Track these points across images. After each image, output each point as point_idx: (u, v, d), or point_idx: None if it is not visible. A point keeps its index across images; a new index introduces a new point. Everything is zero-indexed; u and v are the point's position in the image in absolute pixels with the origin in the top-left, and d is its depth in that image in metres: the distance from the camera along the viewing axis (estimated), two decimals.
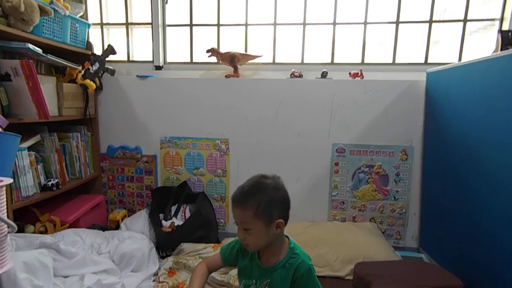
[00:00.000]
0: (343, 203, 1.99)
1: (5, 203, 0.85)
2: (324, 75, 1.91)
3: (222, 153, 2.05)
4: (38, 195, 1.60)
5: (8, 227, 0.87)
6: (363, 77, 1.89)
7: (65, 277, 1.32)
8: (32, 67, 1.40)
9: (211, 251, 1.66)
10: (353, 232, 1.83)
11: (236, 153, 2.04)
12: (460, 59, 1.95)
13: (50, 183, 1.67)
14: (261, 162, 2.01)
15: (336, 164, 1.96)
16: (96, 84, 1.92)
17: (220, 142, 2.03)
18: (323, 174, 1.98)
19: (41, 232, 1.58)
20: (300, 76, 1.96)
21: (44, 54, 1.56)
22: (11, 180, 0.88)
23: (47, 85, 1.61)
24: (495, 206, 1.28)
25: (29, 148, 1.58)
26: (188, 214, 1.94)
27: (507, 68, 1.23)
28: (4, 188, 0.85)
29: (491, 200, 1.31)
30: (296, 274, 0.97)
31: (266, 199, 0.95)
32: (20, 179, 1.47)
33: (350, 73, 1.91)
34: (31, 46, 1.47)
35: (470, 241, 1.44)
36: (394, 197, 1.93)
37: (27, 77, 1.37)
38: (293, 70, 1.97)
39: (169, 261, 1.61)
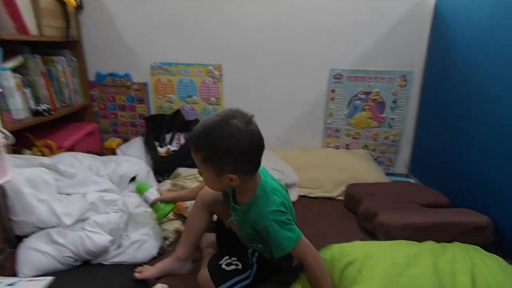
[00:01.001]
0: (338, 130, 2.00)
1: None
2: None
3: (215, 80, 1.98)
4: (30, 119, 1.56)
5: (5, 138, 0.85)
6: None
7: (68, 195, 1.36)
8: None
9: None
10: (345, 158, 1.88)
11: (229, 80, 1.97)
12: None
13: (41, 108, 1.62)
14: (255, 89, 1.96)
15: (333, 91, 1.92)
16: (75, 2, 1.75)
17: (213, 68, 1.95)
18: (319, 101, 1.95)
19: None
20: None
21: None
22: None
23: None
24: (489, 135, 1.29)
25: (14, 71, 1.50)
26: (183, 142, 1.94)
27: None
28: None
29: (486, 129, 1.31)
30: (256, 228, 0.91)
31: (218, 147, 0.82)
32: (8, 100, 1.42)
33: None
34: None
35: (459, 166, 1.48)
36: (389, 125, 1.95)
37: None
38: None
39: (167, 183, 1.66)
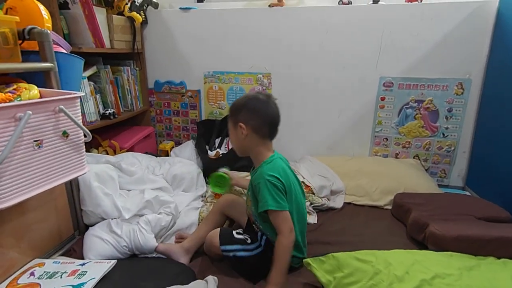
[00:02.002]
0: (387, 139, 1.95)
1: (80, 113, 0.96)
2: (376, 0, 1.76)
3: (264, 88, 2.05)
4: (99, 122, 1.76)
5: (85, 136, 0.99)
6: (421, 0, 1.71)
7: (128, 190, 1.51)
8: None
9: None
10: (394, 166, 1.82)
11: (278, 88, 2.03)
12: None
13: (107, 112, 1.82)
14: (303, 96, 1.99)
15: (382, 99, 1.88)
16: (141, 18, 1.95)
17: (263, 76, 2.03)
18: (367, 109, 1.92)
19: None
20: (349, 3, 1.82)
21: None
22: (83, 93, 0.98)
23: (99, 17, 1.66)
24: None
25: (88, 79, 1.71)
26: (231, 146, 2.03)
27: None
28: (79, 100, 0.95)
29: None
30: (253, 185, 1.08)
31: (240, 104, 1.10)
32: (84, 105, 1.62)
33: None
34: None
35: None
36: (443, 134, 1.85)
37: (83, 5, 1.44)
38: None
39: None
